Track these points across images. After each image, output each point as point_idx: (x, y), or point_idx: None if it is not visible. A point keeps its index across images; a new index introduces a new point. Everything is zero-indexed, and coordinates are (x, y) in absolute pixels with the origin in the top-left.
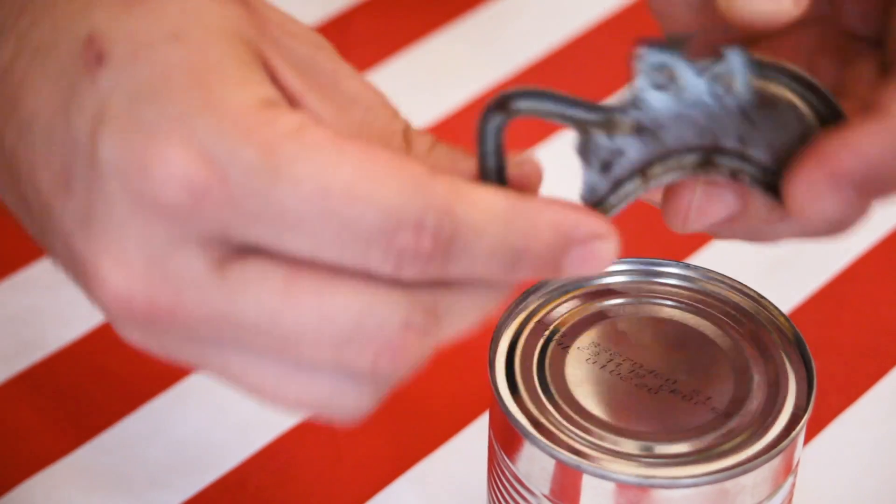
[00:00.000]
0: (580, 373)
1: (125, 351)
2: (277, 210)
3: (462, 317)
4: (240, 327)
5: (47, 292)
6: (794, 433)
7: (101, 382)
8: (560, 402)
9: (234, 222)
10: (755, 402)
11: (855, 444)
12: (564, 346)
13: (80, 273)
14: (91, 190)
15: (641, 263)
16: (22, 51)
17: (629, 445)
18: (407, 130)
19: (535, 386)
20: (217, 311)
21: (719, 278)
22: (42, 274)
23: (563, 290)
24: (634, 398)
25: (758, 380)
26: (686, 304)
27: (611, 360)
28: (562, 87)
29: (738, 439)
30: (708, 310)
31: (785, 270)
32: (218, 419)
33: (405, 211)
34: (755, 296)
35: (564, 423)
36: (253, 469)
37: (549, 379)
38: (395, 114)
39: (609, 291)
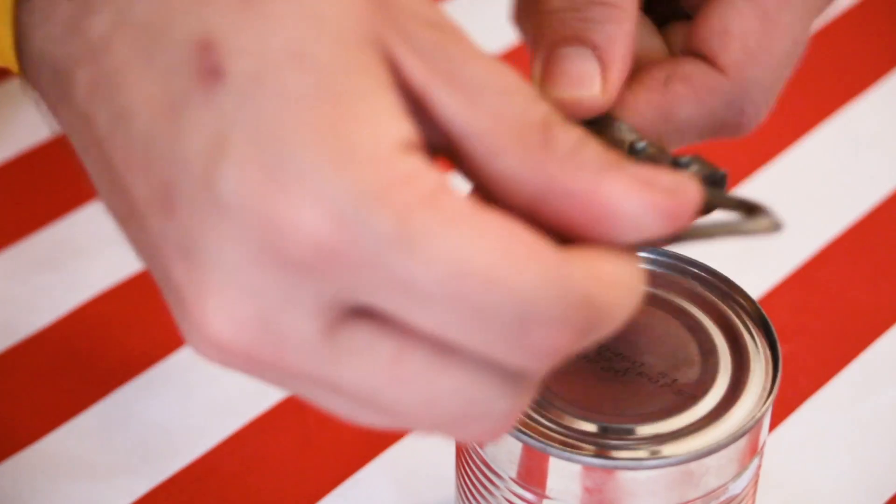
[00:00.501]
0: None
1: (95, 337)
2: (407, 284)
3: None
4: (340, 391)
5: (15, 280)
6: (759, 415)
7: (70, 369)
8: None
9: (359, 287)
10: (721, 384)
11: (823, 428)
12: None
13: (176, 300)
14: (200, 220)
15: None
16: (122, 26)
17: (595, 428)
18: (548, 121)
19: None
20: (318, 374)
21: (687, 261)
22: (9, 262)
23: None
24: (601, 381)
25: (724, 362)
26: (653, 287)
27: None
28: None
29: (704, 421)
30: (675, 293)
31: (756, 256)
32: (188, 405)
33: (545, 306)
34: (722, 279)
35: (530, 406)
36: (223, 455)
37: None
38: (531, 99)
39: None
